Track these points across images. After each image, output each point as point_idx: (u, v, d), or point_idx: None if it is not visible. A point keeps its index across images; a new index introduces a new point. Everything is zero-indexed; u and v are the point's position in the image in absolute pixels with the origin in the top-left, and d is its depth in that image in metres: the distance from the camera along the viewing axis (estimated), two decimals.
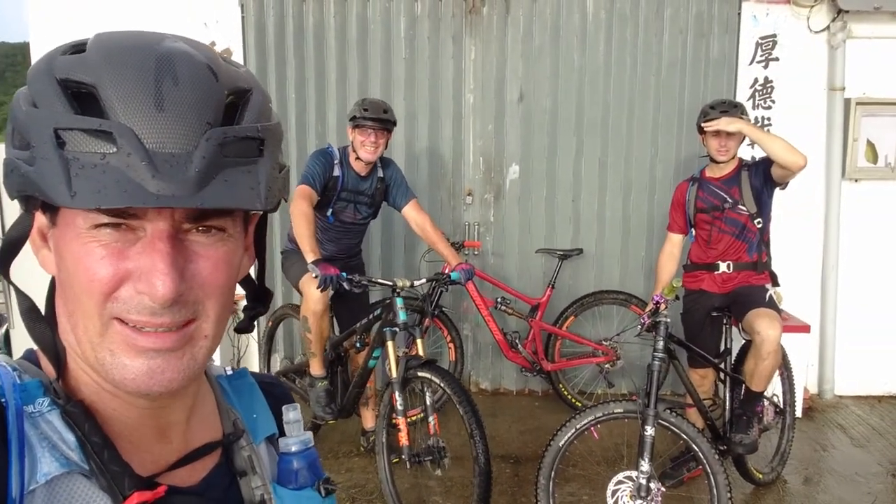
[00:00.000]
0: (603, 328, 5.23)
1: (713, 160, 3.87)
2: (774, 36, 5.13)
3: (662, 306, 3.23)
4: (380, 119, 3.78)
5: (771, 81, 5.17)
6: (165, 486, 0.72)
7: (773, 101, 5.19)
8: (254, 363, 5.33)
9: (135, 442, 0.73)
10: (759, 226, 3.81)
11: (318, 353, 3.98)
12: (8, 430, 0.63)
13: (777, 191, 3.84)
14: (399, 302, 3.56)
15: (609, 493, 3.15)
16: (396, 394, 3.41)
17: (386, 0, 5.13)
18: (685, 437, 3.13)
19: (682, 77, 5.18)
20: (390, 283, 3.57)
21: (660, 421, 3.09)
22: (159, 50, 0.63)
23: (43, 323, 0.72)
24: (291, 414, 0.87)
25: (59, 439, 0.66)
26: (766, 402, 3.87)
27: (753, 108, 5.16)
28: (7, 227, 0.71)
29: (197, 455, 0.78)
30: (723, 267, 3.89)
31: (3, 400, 0.65)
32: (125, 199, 0.58)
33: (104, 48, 0.64)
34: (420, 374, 3.41)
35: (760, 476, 3.96)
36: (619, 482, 3.17)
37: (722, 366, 3.89)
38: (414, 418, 4.10)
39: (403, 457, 3.43)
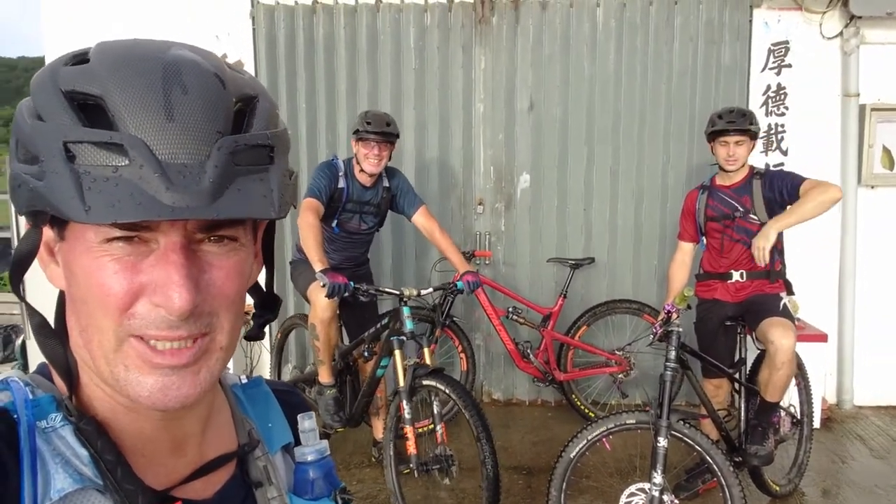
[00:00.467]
0: (616, 338, 5.18)
1: (722, 169, 3.83)
2: (787, 42, 5.09)
3: (674, 316, 3.18)
4: (383, 132, 3.81)
5: (784, 88, 5.13)
6: (180, 500, 0.72)
7: (786, 108, 5.14)
8: (265, 374, 5.32)
9: (148, 456, 0.72)
10: None
11: (327, 361, 3.99)
12: (20, 446, 0.63)
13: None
14: (406, 311, 3.55)
15: None
16: (404, 403, 3.41)
17: (396, 11, 5.14)
18: (699, 448, 3.07)
19: (694, 85, 5.15)
20: (397, 293, 3.57)
21: (673, 432, 3.04)
22: (166, 59, 0.63)
23: (54, 339, 0.70)
24: (307, 423, 0.86)
25: (72, 455, 0.66)
26: (782, 413, 3.81)
27: (766, 115, 5.11)
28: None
29: (211, 467, 0.77)
30: (736, 276, 3.84)
31: (15, 415, 0.65)
32: (140, 212, 0.57)
33: (109, 58, 0.63)
34: (426, 382, 3.40)
35: (777, 488, 3.89)
36: (632, 494, 3.13)
37: (737, 376, 3.83)
38: (423, 429, 4.08)
39: (411, 466, 3.41)
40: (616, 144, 5.23)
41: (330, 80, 5.22)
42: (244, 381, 0.90)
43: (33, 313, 0.71)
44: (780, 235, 3.78)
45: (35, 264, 0.70)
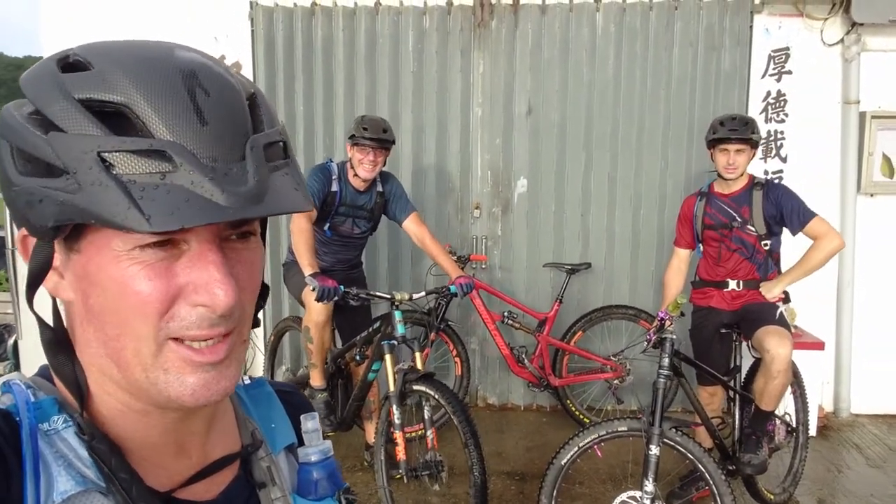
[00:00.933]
0: (612, 343, 5.16)
1: (721, 176, 3.80)
2: (787, 49, 5.07)
3: (668, 323, 3.16)
4: (379, 139, 3.80)
5: (784, 95, 5.11)
6: (183, 502, 0.73)
7: (786, 115, 5.12)
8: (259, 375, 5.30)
9: (151, 458, 0.72)
10: (767, 248, 3.74)
11: (319, 364, 3.98)
12: (22, 448, 0.63)
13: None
14: (398, 315, 3.54)
15: None
16: (394, 408, 3.40)
17: (395, 14, 5.13)
18: (691, 456, 3.05)
19: (693, 91, 5.13)
20: (388, 297, 3.56)
21: (665, 440, 3.02)
22: (178, 62, 0.63)
23: (64, 354, 0.70)
24: (310, 423, 0.86)
25: (74, 457, 0.66)
26: (777, 421, 3.79)
27: (766, 121, 5.09)
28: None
29: (215, 468, 0.77)
30: (732, 284, 3.82)
31: (17, 418, 0.65)
32: (204, 216, 0.58)
33: (119, 63, 0.62)
34: (416, 387, 3.38)
35: (771, 497, 3.86)
36: (623, 502, 3.11)
37: (732, 383, 3.81)
38: (414, 434, 4.07)
39: (401, 471, 3.39)
40: (614, 150, 5.21)
41: (328, 83, 5.21)
42: (247, 381, 0.91)
43: (45, 328, 0.70)
44: (774, 248, 3.78)
45: None
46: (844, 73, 5.04)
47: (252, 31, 5.20)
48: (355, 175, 3.90)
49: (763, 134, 4.92)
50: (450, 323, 4.86)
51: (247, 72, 5.15)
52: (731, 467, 3.58)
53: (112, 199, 0.57)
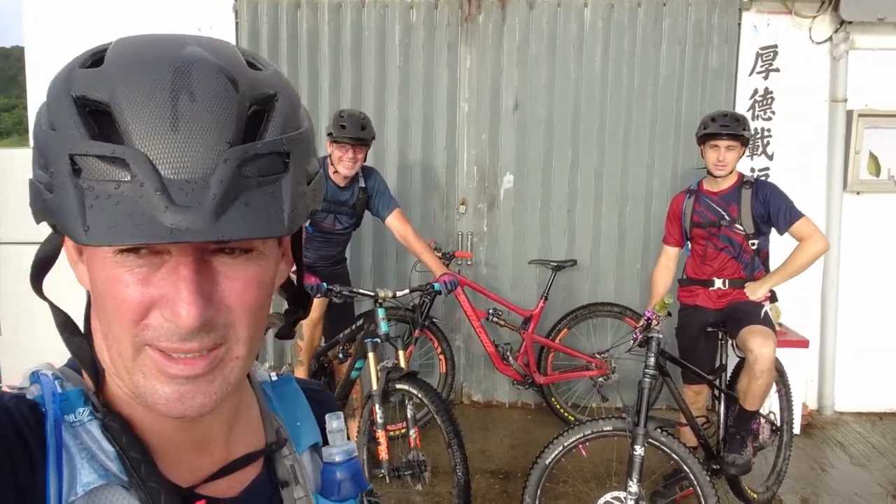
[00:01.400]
0: (597, 341, 5.15)
1: (710, 174, 3.78)
2: (775, 46, 5.06)
3: (654, 322, 3.14)
4: (358, 137, 3.73)
5: (771, 92, 5.09)
6: (205, 498, 0.72)
7: (773, 113, 5.11)
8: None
9: (172, 453, 0.72)
10: (754, 247, 3.73)
11: (307, 361, 3.96)
12: (46, 439, 0.64)
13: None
14: (381, 312, 3.51)
15: None
16: (377, 406, 3.36)
17: (381, 7, 5.08)
18: (675, 457, 3.04)
19: (680, 87, 5.11)
20: (371, 294, 3.52)
21: (650, 440, 3.00)
22: (176, 61, 0.59)
23: (80, 336, 0.71)
24: (335, 423, 0.84)
25: (98, 450, 0.66)
26: (762, 420, 3.78)
27: (753, 118, 5.08)
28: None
29: (237, 465, 0.77)
30: (718, 283, 3.81)
31: (43, 409, 0.66)
32: (138, 235, 0.55)
33: (120, 60, 0.61)
34: (399, 386, 3.35)
35: (755, 496, 3.85)
36: (607, 503, 3.09)
37: (717, 382, 3.80)
38: (397, 433, 4.03)
39: (383, 471, 3.36)
40: (601, 147, 5.19)
41: (313, 77, 5.16)
42: (274, 378, 0.89)
43: (57, 311, 0.71)
44: (762, 247, 3.77)
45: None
46: (832, 71, 5.04)
47: (237, 23, 5.13)
48: (336, 171, 3.85)
49: (752, 132, 4.91)
50: (434, 320, 4.83)
51: None
52: (715, 467, 3.58)
53: (67, 204, 0.56)
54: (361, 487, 0.84)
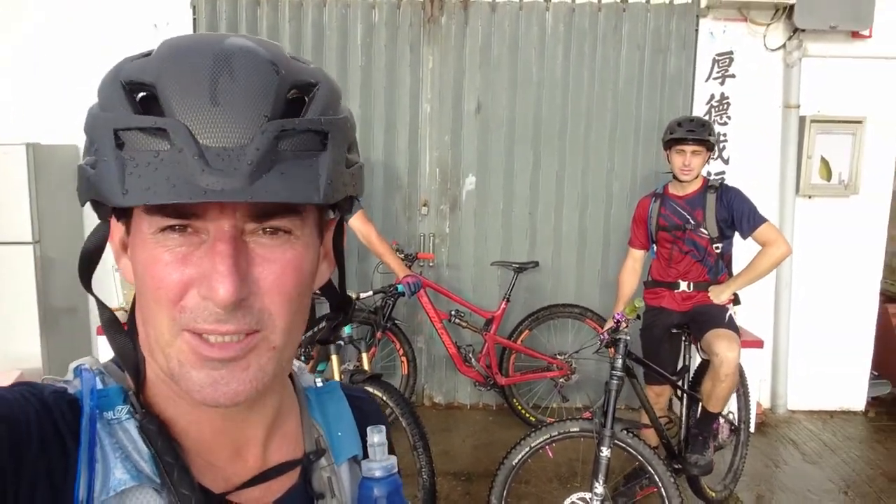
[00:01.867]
0: (558, 342, 5.18)
1: (676, 178, 3.83)
2: (731, 53, 5.16)
3: (623, 325, 3.17)
4: None
5: (727, 98, 5.19)
6: None
7: (728, 118, 5.21)
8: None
9: (208, 458, 0.71)
10: (718, 251, 3.79)
11: None
12: (80, 436, 0.63)
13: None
14: None
15: None
16: None
17: (343, 6, 5.03)
18: (641, 458, 3.07)
19: (640, 92, 5.17)
20: None
21: (616, 442, 3.03)
22: (219, 47, 0.62)
23: (123, 335, 0.71)
24: (377, 437, 0.80)
25: (133, 449, 0.66)
26: (721, 421, 3.84)
27: None
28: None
29: (272, 474, 0.75)
30: (683, 285, 3.86)
31: (82, 405, 0.66)
32: (172, 194, 0.57)
33: (167, 50, 0.63)
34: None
35: (713, 494, 3.92)
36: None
37: (679, 383, 3.85)
38: None
39: None
40: (562, 149, 5.22)
41: None
42: (319, 384, 0.88)
43: (103, 309, 0.72)
44: (725, 251, 3.83)
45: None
46: (786, 78, 5.15)
47: (194, 18, 5.02)
48: None
49: (717, 136, 5.00)
50: (396, 322, 4.80)
51: None
52: (676, 466, 3.62)
53: (110, 174, 0.58)
54: None
